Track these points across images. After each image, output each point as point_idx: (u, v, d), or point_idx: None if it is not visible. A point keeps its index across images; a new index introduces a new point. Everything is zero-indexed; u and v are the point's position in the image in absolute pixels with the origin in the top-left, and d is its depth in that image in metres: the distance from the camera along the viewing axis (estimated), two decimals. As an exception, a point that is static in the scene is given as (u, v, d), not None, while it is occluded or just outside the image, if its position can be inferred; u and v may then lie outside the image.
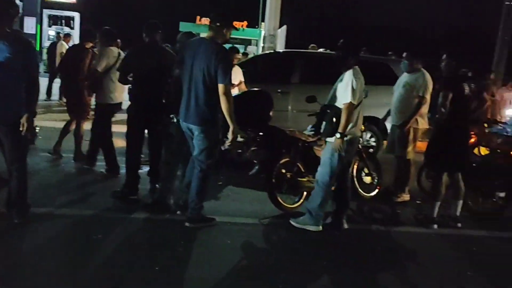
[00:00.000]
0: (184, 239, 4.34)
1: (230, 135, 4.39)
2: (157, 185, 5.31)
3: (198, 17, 27.44)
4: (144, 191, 5.37)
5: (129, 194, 5.22)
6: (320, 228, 4.82)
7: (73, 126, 6.68)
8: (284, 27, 15.74)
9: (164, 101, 5.19)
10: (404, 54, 6.27)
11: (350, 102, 4.53)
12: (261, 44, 15.84)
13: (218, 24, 4.44)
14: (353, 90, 4.54)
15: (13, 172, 4.23)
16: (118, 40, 7.41)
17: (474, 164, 5.79)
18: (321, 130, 4.80)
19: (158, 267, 3.76)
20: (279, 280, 3.76)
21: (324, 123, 4.76)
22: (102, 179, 5.97)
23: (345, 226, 4.94)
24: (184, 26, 27.76)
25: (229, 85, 4.34)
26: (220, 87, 4.28)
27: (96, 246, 4.07)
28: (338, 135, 4.56)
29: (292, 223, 4.88)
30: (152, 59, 5.16)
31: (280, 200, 5.26)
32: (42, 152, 6.73)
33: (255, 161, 5.84)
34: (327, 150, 4.75)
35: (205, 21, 27.72)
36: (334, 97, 4.77)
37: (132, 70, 5.27)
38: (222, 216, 4.92)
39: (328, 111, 4.73)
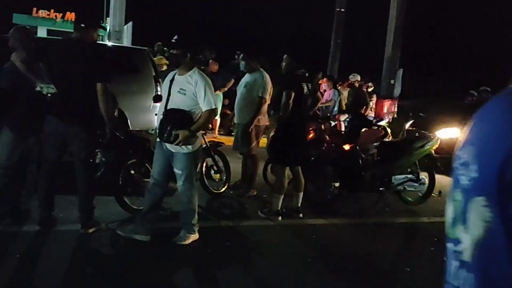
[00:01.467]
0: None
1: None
2: None
3: (34, 9, 25.36)
4: None
5: None
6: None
7: None
8: (130, 23, 15.29)
9: None
10: (241, 55, 6.56)
11: (216, 108, 4.44)
12: (107, 41, 15.24)
13: (83, 25, 4.33)
14: (211, 94, 4.31)
15: None
16: None
17: (312, 158, 6.27)
18: (169, 137, 4.24)
19: None
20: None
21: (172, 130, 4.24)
22: None
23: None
24: (18, 18, 25.44)
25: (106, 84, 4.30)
26: (99, 86, 4.22)
27: None
28: (187, 132, 4.17)
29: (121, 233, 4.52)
30: None
31: (128, 202, 5.12)
32: None
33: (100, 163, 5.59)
34: (185, 164, 4.39)
35: (43, 13, 25.77)
36: (174, 97, 4.34)
37: None
38: (67, 224, 4.63)
39: (177, 116, 4.29)
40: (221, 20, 22.57)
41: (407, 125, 8.95)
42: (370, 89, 12.13)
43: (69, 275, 3.77)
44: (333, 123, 8.49)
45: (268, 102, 6.32)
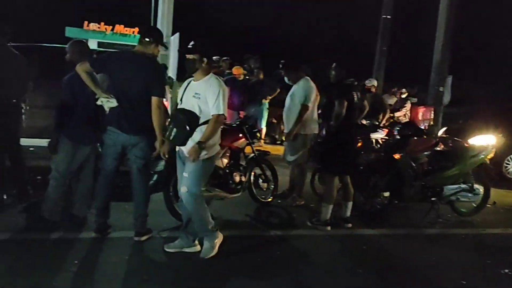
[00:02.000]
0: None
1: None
2: None
3: (86, 23, 26.31)
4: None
5: None
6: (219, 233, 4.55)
7: None
8: (177, 34, 15.57)
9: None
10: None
11: (223, 114, 4.19)
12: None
13: (148, 39, 4.48)
14: (223, 101, 4.20)
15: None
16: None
17: (361, 167, 6.19)
18: (170, 136, 4.24)
19: None
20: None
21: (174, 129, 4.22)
22: None
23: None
24: (70, 32, 26.47)
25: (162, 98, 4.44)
26: (155, 99, 4.37)
27: None
28: (197, 145, 4.12)
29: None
30: None
31: (178, 211, 5.20)
32: None
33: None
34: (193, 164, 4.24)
35: (94, 26, 26.70)
36: (187, 101, 4.31)
37: None
38: (121, 231, 4.76)
39: (181, 116, 4.25)
40: (265, 29, 22.69)
41: (440, 132, 8.72)
42: (403, 96, 11.89)
43: (124, 281, 3.86)
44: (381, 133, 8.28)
45: (313, 109, 6.32)
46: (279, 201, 6.42)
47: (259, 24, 22.17)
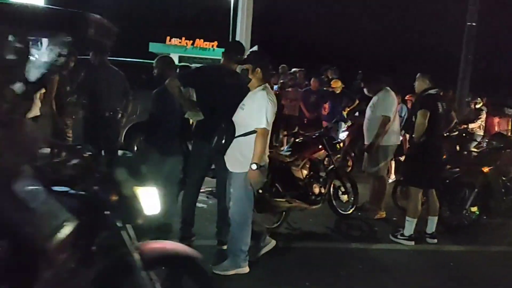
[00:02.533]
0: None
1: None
2: None
3: (168, 38, 27.48)
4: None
5: None
6: (247, 268, 4.29)
7: None
8: (255, 47, 15.82)
9: None
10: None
11: (265, 128, 4.03)
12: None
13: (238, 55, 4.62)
14: (268, 115, 4.04)
15: None
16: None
17: (447, 180, 5.94)
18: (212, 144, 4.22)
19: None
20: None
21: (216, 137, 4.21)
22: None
23: None
24: (153, 47, 27.74)
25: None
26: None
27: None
28: (254, 166, 3.97)
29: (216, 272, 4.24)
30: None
31: (258, 220, 5.25)
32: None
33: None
34: (239, 184, 4.17)
35: (175, 41, 27.83)
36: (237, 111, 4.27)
37: None
38: (204, 239, 4.89)
39: (223, 125, 4.21)
40: (344, 40, 22.50)
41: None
42: (478, 106, 11.21)
43: None
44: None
45: (395, 119, 6.18)
46: (359, 213, 6.30)
47: (338, 35, 22.03)
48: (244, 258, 4.24)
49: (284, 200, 5.35)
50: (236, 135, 4.14)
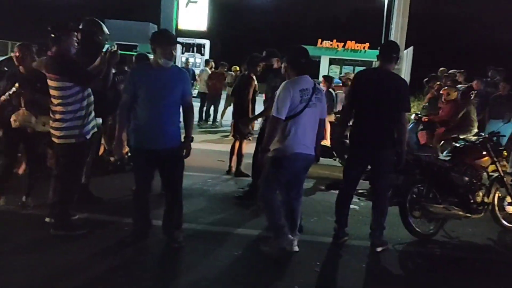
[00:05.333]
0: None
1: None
2: None
3: (319, 40, 27.84)
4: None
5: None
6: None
7: (236, 146, 7.24)
8: (411, 48, 15.26)
9: None
10: None
11: (273, 115, 4.20)
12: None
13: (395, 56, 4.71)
14: (277, 102, 4.19)
15: (172, 194, 4.42)
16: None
17: None
18: None
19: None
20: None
21: None
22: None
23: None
24: (305, 50, 28.28)
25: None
26: (404, 115, 4.64)
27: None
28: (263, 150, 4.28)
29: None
30: None
31: (414, 225, 5.14)
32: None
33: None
34: None
35: (326, 44, 28.09)
36: None
37: None
38: (356, 240, 4.94)
39: None
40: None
41: None
42: None
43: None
44: None
45: None
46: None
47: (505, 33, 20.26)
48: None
49: (441, 206, 5.16)
50: None
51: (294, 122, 4.20)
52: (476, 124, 8.56)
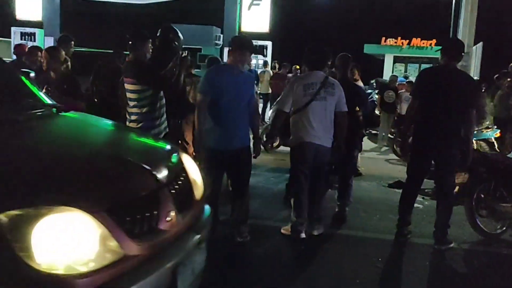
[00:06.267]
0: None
1: None
2: None
3: (383, 38, 27.32)
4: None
5: None
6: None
7: None
8: (480, 44, 14.67)
9: None
10: None
11: (277, 109, 4.72)
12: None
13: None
14: (281, 96, 4.79)
15: (241, 192, 4.57)
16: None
17: None
18: None
19: None
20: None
21: None
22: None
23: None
24: (368, 48, 27.90)
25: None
26: (471, 112, 4.64)
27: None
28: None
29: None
30: None
31: (480, 224, 5.06)
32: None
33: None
34: None
35: (390, 41, 27.51)
36: None
37: None
38: (419, 238, 4.94)
39: None
40: None
41: None
42: None
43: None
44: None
45: None
46: None
47: None
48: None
49: (509, 205, 5.03)
50: None
51: (302, 115, 4.57)
52: None
